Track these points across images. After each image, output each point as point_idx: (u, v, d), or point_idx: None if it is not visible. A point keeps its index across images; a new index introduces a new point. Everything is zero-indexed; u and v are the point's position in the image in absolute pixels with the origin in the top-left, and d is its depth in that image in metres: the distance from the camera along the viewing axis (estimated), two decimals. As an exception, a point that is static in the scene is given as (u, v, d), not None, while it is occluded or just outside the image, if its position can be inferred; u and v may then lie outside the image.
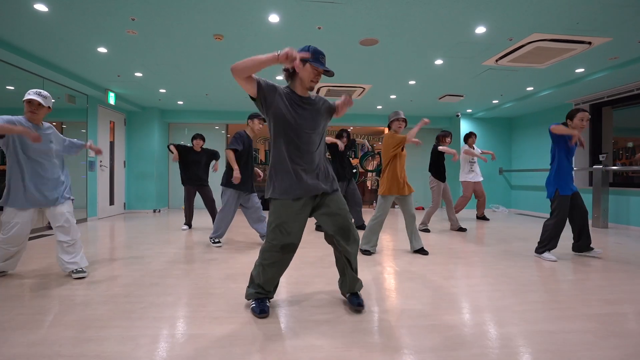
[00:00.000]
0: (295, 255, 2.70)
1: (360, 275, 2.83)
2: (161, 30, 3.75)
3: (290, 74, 2.05)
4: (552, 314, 2.11)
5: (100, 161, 6.64)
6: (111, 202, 7.12)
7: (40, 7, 3.20)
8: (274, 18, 3.44)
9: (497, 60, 4.58)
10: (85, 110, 6.10)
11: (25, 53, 4.32)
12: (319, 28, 3.66)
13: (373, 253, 3.66)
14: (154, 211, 7.79)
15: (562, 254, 3.69)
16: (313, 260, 3.39)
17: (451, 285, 2.64)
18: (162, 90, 6.34)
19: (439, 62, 4.69)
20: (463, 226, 5.65)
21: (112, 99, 6.32)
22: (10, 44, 4.07)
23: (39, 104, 2.66)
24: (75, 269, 2.75)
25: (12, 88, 4.77)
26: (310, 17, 3.43)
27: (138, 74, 5.33)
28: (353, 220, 2.47)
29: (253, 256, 3.56)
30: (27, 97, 2.63)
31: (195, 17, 3.44)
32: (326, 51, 4.33)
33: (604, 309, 2.19)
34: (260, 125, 3.99)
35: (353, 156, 9.39)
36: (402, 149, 3.65)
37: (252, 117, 3.95)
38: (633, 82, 5.27)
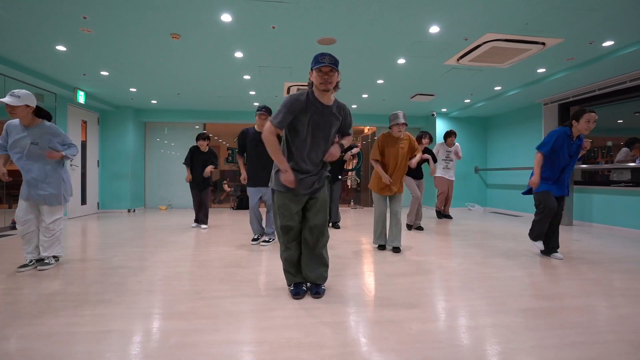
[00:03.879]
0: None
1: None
2: (117, 29, 3.73)
3: (311, 85, 2.24)
4: (482, 309, 2.16)
5: (71, 161, 6.58)
6: (83, 202, 7.06)
7: (-13, 5, 3.18)
8: (226, 17, 3.45)
9: (458, 60, 4.64)
10: (53, 109, 6.03)
11: (-17, 51, 4.28)
12: (273, 27, 3.67)
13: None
14: (129, 211, 7.74)
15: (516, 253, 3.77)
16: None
17: (411, 272, 2.69)
18: (132, 89, 6.31)
19: (401, 61, 4.73)
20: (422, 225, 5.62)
21: (81, 97, 6.27)
22: (-35, 41, 4.02)
23: (11, 106, 2.70)
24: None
25: (-26, 86, 4.72)
26: (262, 17, 3.45)
27: (104, 73, 5.29)
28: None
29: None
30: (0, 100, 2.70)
31: (148, 16, 3.43)
32: (284, 50, 4.35)
33: (534, 304, 2.24)
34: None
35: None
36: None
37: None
38: (593, 82, 5.37)
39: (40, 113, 2.92)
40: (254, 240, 4.11)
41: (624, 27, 3.60)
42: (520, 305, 2.20)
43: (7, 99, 2.67)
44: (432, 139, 5.53)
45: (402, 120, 3.55)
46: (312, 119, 2.19)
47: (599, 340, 1.74)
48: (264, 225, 4.18)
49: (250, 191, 3.99)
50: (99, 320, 1.95)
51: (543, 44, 4.03)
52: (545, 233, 3.49)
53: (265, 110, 3.85)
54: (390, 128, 3.68)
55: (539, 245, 3.51)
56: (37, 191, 2.87)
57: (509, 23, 3.57)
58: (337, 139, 2.40)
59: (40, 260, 2.98)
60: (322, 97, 2.22)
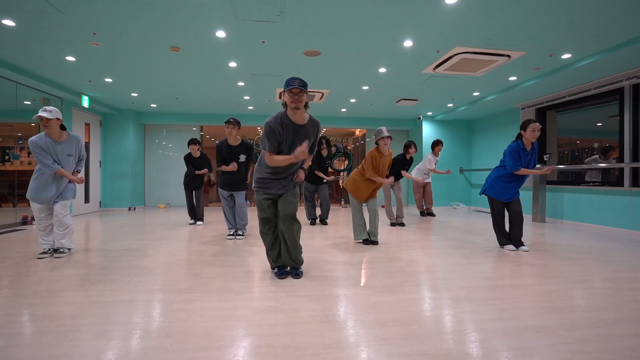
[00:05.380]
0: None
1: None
2: (122, 43, 4.13)
3: (285, 105, 2.54)
4: (432, 287, 2.57)
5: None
6: (86, 200, 7.45)
7: (8, 22, 3.58)
8: (220, 34, 3.86)
9: (434, 69, 5.06)
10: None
11: (-2, 60, 4.68)
12: (263, 42, 4.09)
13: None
14: (129, 209, 8.13)
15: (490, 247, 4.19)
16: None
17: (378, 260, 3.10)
18: (133, 94, 6.70)
19: (382, 70, 5.15)
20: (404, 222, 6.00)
21: (85, 102, 6.66)
22: (-18, 52, 4.41)
23: (47, 118, 3.14)
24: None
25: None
26: (253, 33, 3.86)
27: (108, 80, 5.69)
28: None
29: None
30: (37, 115, 3.14)
31: (152, 32, 3.83)
32: (274, 62, 4.77)
33: (477, 284, 2.65)
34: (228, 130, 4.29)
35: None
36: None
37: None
38: (562, 89, 5.81)
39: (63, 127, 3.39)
40: (230, 235, 4.49)
41: (577, 41, 4.03)
42: (466, 284, 2.62)
43: (42, 113, 3.12)
44: (416, 148, 5.88)
45: (386, 134, 3.92)
46: (287, 137, 2.56)
47: (519, 307, 2.16)
48: (236, 220, 4.53)
49: (220, 191, 4.44)
50: (113, 293, 2.36)
51: (508, 56, 4.46)
52: (509, 230, 3.91)
53: (233, 121, 4.25)
54: (376, 143, 4.02)
55: (510, 247, 3.83)
56: (62, 193, 3.34)
57: (473, 38, 3.99)
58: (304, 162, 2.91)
59: (56, 250, 3.39)
60: (294, 115, 2.52)
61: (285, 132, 2.54)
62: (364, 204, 4.17)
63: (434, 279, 2.75)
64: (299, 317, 1.99)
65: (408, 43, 4.13)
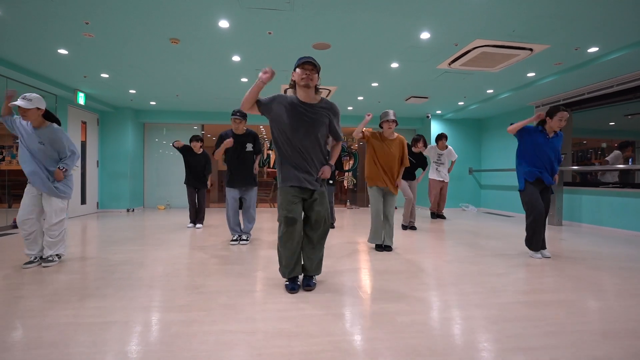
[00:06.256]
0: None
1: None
2: (117, 34, 3.85)
3: (293, 85, 2.44)
4: (464, 303, 2.29)
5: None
6: (83, 202, 7.17)
7: (-8, 11, 3.30)
8: (224, 24, 3.57)
9: (450, 64, 4.78)
10: (54, 110, 6.13)
11: (-14, 54, 4.39)
12: (270, 33, 3.80)
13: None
14: (128, 210, 7.85)
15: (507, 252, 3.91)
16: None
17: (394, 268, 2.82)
18: (132, 91, 6.42)
19: (394, 65, 4.87)
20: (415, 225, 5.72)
21: (81, 99, 6.37)
22: (-31, 45, 4.13)
23: (24, 108, 2.86)
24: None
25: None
26: (259, 23, 3.58)
27: (104, 75, 5.41)
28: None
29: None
30: (13, 103, 2.87)
31: (148, 22, 3.55)
32: (280, 55, 4.49)
33: (513, 299, 2.37)
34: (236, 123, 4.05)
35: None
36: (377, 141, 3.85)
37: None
38: (582, 86, 5.52)
39: (50, 117, 3.08)
40: (233, 241, 4.15)
41: (606, 34, 3.74)
42: (501, 300, 2.33)
43: (19, 102, 2.83)
44: (426, 144, 5.66)
45: (392, 117, 3.68)
46: (293, 117, 2.36)
47: (571, 330, 1.87)
48: (242, 225, 4.26)
49: (229, 192, 4.11)
50: (103, 312, 2.07)
51: (530, 49, 4.17)
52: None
53: (239, 115, 3.99)
54: (380, 127, 3.81)
55: (538, 255, 3.51)
56: (44, 183, 2.99)
57: (496, 30, 3.71)
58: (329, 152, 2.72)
59: (44, 258, 3.10)
60: (305, 95, 2.39)
61: (290, 112, 2.37)
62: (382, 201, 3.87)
63: (461, 293, 2.47)
64: (318, 344, 1.70)
65: (425, 35, 3.84)
